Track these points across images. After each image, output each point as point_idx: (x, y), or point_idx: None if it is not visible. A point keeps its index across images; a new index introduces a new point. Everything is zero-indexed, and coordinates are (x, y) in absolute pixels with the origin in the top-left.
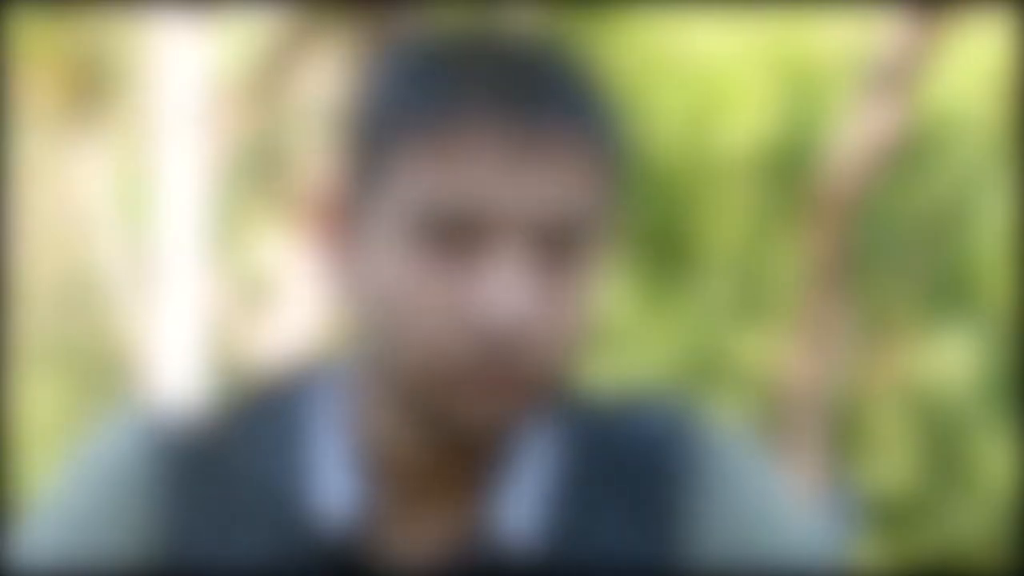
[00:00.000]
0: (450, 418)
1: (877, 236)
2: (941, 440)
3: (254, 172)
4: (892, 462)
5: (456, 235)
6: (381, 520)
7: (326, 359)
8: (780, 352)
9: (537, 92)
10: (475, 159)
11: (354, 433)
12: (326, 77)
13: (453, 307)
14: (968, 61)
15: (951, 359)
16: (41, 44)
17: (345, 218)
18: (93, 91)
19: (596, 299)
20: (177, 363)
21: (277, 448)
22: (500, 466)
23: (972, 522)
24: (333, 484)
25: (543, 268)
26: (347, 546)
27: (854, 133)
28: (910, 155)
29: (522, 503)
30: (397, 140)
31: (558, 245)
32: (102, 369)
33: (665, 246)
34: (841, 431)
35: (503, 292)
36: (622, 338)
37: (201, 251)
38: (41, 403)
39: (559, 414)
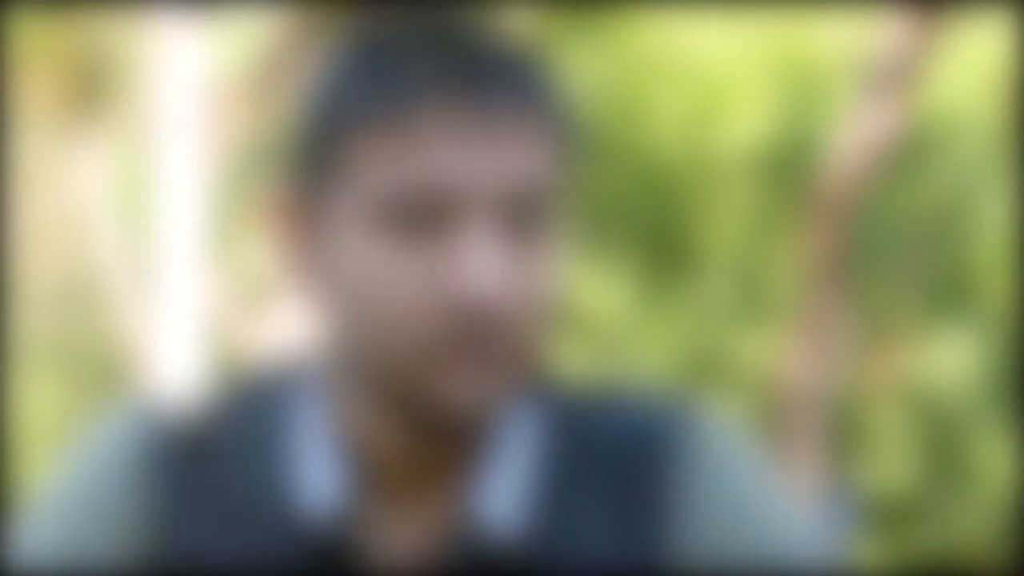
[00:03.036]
0: (431, 400)
1: (877, 236)
2: (941, 440)
3: (254, 172)
4: (892, 462)
5: (423, 216)
6: (366, 514)
7: (312, 355)
8: (780, 352)
9: (483, 74)
10: (432, 140)
11: (338, 428)
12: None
13: (428, 286)
14: (968, 61)
15: (951, 359)
16: (41, 44)
17: (305, 216)
18: (93, 91)
19: (557, 271)
20: (176, 363)
21: (263, 444)
22: (483, 457)
23: (972, 522)
24: (318, 479)
25: (512, 241)
26: (332, 540)
27: (854, 133)
28: (910, 155)
29: (505, 494)
30: (349, 132)
31: (524, 217)
32: (102, 369)
33: (665, 246)
34: (841, 431)
35: (479, 267)
36: (622, 338)
37: (200, 251)
38: (41, 403)
39: (543, 404)
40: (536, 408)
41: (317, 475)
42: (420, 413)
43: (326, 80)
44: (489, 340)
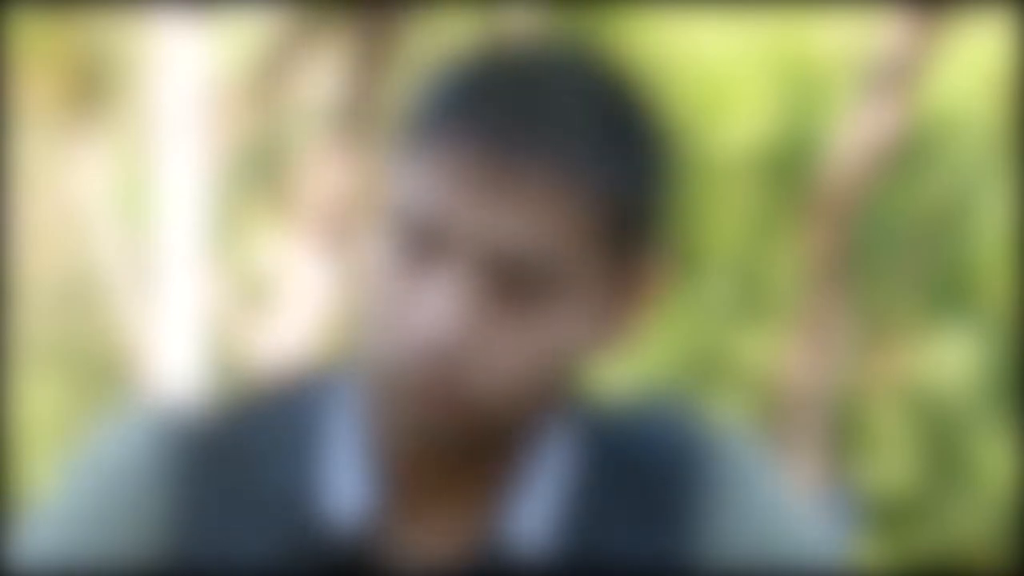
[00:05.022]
0: (403, 423)
1: (877, 236)
2: (941, 440)
3: (254, 172)
4: (892, 462)
5: (417, 247)
6: (393, 523)
7: (340, 360)
8: (780, 352)
9: (540, 121)
10: (450, 176)
11: (366, 434)
12: (326, 77)
13: (398, 316)
14: (968, 61)
15: (951, 359)
16: (41, 44)
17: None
18: (93, 91)
19: (582, 338)
20: (176, 363)
21: (289, 449)
22: (512, 471)
23: (972, 522)
24: (345, 486)
25: (494, 296)
26: (358, 548)
27: (854, 133)
28: (910, 155)
29: (534, 508)
30: (403, 146)
31: (518, 277)
32: (102, 369)
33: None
34: (841, 431)
35: (435, 310)
36: None
37: (201, 251)
38: (41, 403)
39: (571, 422)
40: (566, 425)
41: (344, 482)
42: (401, 429)
43: (437, 78)
44: (438, 385)
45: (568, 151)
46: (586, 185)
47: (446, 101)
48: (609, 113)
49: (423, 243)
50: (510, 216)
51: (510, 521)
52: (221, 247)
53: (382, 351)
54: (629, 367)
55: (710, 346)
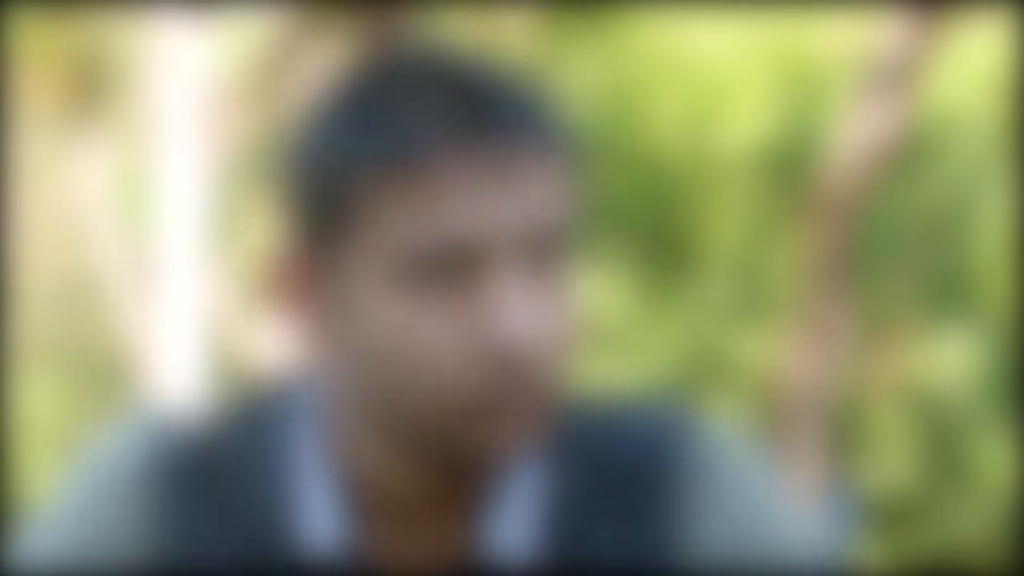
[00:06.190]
0: (460, 449)
1: (877, 236)
2: (941, 440)
3: (254, 172)
4: (892, 462)
5: (450, 269)
6: (368, 547)
7: (309, 379)
8: (780, 352)
9: (492, 111)
10: (451, 191)
11: (338, 459)
12: (326, 78)
13: (464, 339)
14: (968, 61)
15: (951, 359)
16: (41, 44)
17: (310, 271)
18: (93, 91)
19: (576, 299)
20: (177, 363)
21: (263, 465)
22: (492, 487)
23: (972, 522)
24: (317, 510)
25: (538, 281)
26: (335, 567)
27: (854, 133)
28: (910, 155)
29: (515, 523)
30: (357, 184)
31: (545, 255)
32: (102, 369)
33: (665, 246)
34: (841, 431)
35: (515, 315)
36: (622, 338)
37: (201, 251)
38: (41, 403)
39: (552, 429)
40: (547, 435)
41: (317, 505)
42: (446, 460)
43: (324, 125)
44: (527, 388)
45: (524, 127)
46: (546, 151)
47: (396, 130)
48: (521, 90)
49: (458, 264)
50: (524, 199)
51: (492, 531)
52: (221, 247)
53: (441, 380)
54: (629, 367)
55: (710, 346)
